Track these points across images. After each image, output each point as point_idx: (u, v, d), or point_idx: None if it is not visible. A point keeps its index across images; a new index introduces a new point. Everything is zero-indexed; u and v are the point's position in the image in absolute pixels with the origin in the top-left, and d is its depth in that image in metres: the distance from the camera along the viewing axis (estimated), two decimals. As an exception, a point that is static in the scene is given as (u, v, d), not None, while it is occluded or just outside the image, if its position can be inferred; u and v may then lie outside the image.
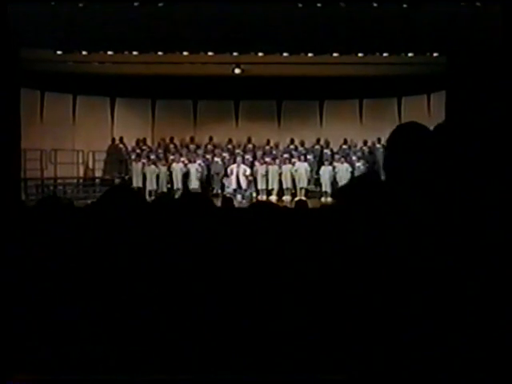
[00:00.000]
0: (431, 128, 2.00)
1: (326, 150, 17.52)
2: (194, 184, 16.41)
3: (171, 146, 17.62)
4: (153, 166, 16.62)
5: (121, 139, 17.48)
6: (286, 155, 17.07)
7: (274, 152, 17.41)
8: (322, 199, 16.19)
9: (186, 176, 16.54)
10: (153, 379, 2.19)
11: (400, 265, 1.66)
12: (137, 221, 2.61)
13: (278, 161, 17.01)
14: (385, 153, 1.98)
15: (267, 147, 17.54)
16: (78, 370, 2.26)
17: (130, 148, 17.55)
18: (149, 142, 17.88)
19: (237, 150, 17.36)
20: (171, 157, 16.96)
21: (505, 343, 1.55)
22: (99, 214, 2.64)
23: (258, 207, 3.00)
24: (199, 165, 16.70)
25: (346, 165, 16.56)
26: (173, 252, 2.55)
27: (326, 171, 16.62)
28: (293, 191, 16.69)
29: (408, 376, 1.57)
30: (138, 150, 17.37)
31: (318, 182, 16.95)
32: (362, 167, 16.49)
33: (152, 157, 17.01)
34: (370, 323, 1.69)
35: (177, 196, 15.17)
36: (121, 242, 2.54)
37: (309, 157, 17.17)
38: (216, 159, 17.02)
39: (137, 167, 16.74)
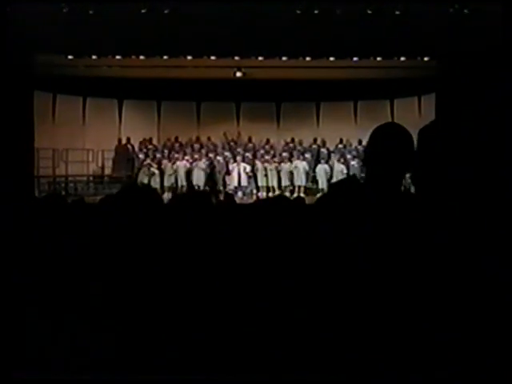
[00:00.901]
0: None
1: (322, 149, 17.53)
2: (198, 181, 16.43)
3: (176, 145, 17.64)
4: (155, 168, 16.65)
5: (128, 140, 17.52)
6: (284, 154, 17.09)
7: (273, 151, 17.44)
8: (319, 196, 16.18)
9: (189, 174, 16.56)
10: (153, 379, 2.07)
11: (393, 262, 1.61)
12: (153, 219, 2.55)
13: (277, 159, 17.03)
14: (365, 151, 2.00)
15: (267, 146, 17.57)
16: (78, 370, 2.15)
17: (136, 148, 17.58)
18: (155, 142, 17.91)
19: (238, 149, 17.39)
20: (176, 155, 16.97)
21: (502, 343, 1.48)
22: (117, 209, 2.60)
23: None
24: (203, 163, 16.72)
25: (341, 163, 16.58)
26: (185, 250, 2.48)
27: (322, 169, 16.65)
28: (291, 188, 16.70)
29: (408, 376, 1.52)
30: (144, 150, 17.40)
31: (314, 180, 16.96)
32: (356, 165, 16.49)
33: (158, 155, 17.02)
34: (370, 323, 1.64)
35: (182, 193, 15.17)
36: (134, 237, 2.50)
37: (306, 155, 17.18)
38: (218, 158, 17.04)
39: (143, 165, 16.78)
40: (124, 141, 17.54)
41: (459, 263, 1.51)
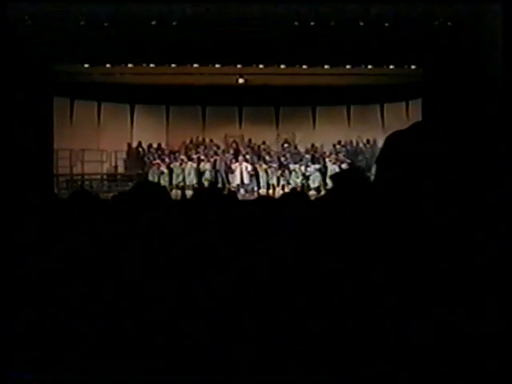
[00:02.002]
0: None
1: (317, 151, 17.61)
2: (203, 180, 16.51)
3: (185, 146, 17.74)
4: (164, 167, 16.74)
5: (139, 143, 17.63)
6: (282, 158, 17.20)
7: (273, 152, 17.53)
8: (315, 193, 16.24)
9: (198, 173, 16.66)
10: (153, 379, 1.92)
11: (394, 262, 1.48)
12: (161, 214, 2.49)
13: (276, 159, 17.11)
14: (381, 150, 1.72)
15: (266, 147, 17.66)
16: (78, 370, 2.01)
17: (146, 149, 17.70)
18: (163, 144, 18.01)
19: (240, 149, 17.50)
20: (182, 157, 17.05)
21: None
22: (129, 205, 2.55)
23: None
24: (209, 163, 16.81)
25: (334, 163, 16.63)
26: (198, 244, 2.41)
27: (317, 169, 16.69)
28: (289, 186, 16.74)
29: (408, 376, 1.36)
30: (153, 151, 17.51)
31: (310, 179, 17.00)
32: (346, 167, 16.49)
33: (166, 160, 17.10)
34: (370, 323, 1.46)
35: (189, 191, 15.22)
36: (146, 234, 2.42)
37: (306, 156, 17.27)
38: (221, 158, 17.12)
39: (153, 165, 16.88)
40: (135, 144, 17.67)
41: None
